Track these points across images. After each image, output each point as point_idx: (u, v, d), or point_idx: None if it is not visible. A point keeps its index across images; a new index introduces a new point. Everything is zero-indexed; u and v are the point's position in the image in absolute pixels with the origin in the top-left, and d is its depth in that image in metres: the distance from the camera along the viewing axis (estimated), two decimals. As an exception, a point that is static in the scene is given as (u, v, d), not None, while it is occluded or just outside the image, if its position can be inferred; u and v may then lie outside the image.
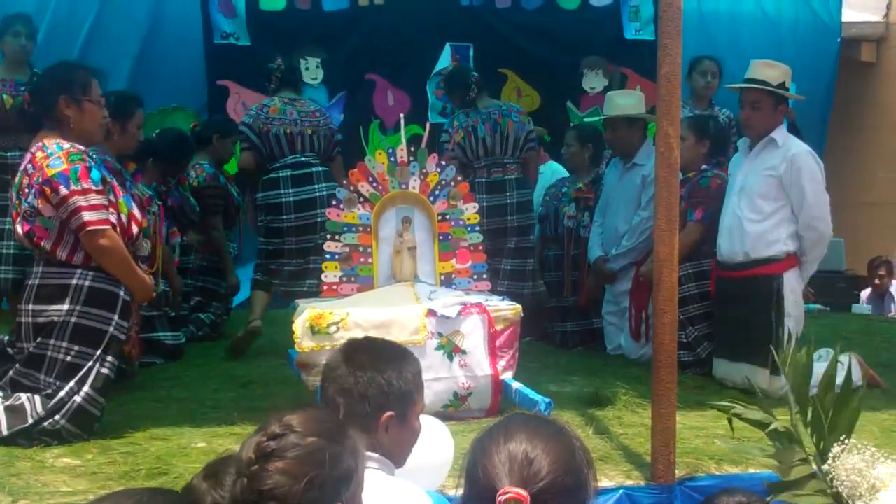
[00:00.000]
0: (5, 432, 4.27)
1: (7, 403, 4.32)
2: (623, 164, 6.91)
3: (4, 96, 6.63)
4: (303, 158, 6.61)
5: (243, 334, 6.52)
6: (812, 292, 5.92)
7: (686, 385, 5.45)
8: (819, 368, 5.54)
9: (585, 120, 9.04)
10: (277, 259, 6.63)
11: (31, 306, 4.42)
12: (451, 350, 4.77)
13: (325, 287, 5.17)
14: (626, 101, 6.93)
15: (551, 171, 7.83)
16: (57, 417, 4.31)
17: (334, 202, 5.19)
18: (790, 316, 5.46)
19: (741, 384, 5.57)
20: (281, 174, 6.57)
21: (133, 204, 4.66)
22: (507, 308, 4.93)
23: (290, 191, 6.55)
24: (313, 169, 6.60)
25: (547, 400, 4.54)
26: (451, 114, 7.52)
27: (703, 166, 6.30)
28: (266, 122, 6.59)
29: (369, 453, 2.36)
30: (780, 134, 5.62)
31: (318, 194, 6.54)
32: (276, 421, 2.01)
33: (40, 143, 4.45)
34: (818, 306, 8.40)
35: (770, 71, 5.68)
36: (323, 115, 6.86)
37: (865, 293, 10.27)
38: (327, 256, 5.19)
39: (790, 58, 9.14)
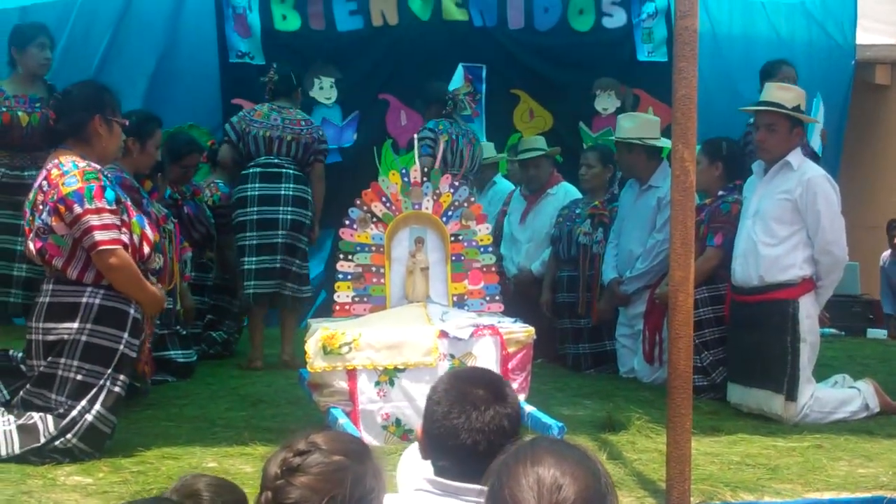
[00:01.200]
0: (18, 451, 4.26)
1: (20, 422, 4.32)
2: (638, 185, 6.90)
3: (20, 113, 6.45)
4: (275, 160, 6.86)
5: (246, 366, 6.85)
6: (827, 317, 5.86)
7: (700, 410, 5.41)
8: (835, 394, 5.57)
9: (600, 141, 9.03)
10: (242, 259, 6.85)
11: (41, 324, 4.42)
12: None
13: (337, 307, 5.15)
14: (628, 124, 6.91)
15: (564, 191, 7.80)
16: (69, 436, 4.30)
17: (347, 221, 5.17)
18: (805, 341, 5.40)
19: (756, 410, 5.54)
20: (251, 171, 6.86)
21: (146, 223, 4.69)
22: (520, 330, 4.89)
23: (256, 185, 6.82)
24: (283, 170, 6.85)
25: (560, 424, 4.50)
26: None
27: (721, 192, 6.27)
28: (249, 123, 6.92)
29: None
30: (796, 157, 5.57)
31: (283, 192, 6.79)
32: (302, 438, 2.06)
33: (56, 161, 4.47)
34: (833, 331, 8.36)
35: (785, 93, 5.65)
36: (310, 125, 7.08)
37: (886, 254, 10.31)
38: (339, 276, 5.17)
39: (804, 80, 9.09)
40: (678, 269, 3.83)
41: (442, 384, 2.52)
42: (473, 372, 2.72)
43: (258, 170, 6.83)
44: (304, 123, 7.02)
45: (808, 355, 5.43)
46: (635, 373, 6.72)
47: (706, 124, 7.69)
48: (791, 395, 5.36)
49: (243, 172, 6.91)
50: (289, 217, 6.76)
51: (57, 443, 4.29)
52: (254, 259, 6.78)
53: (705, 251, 6.07)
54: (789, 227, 5.49)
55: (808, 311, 5.45)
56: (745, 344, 5.65)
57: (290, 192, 6.78)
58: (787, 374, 5.36)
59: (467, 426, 2.38)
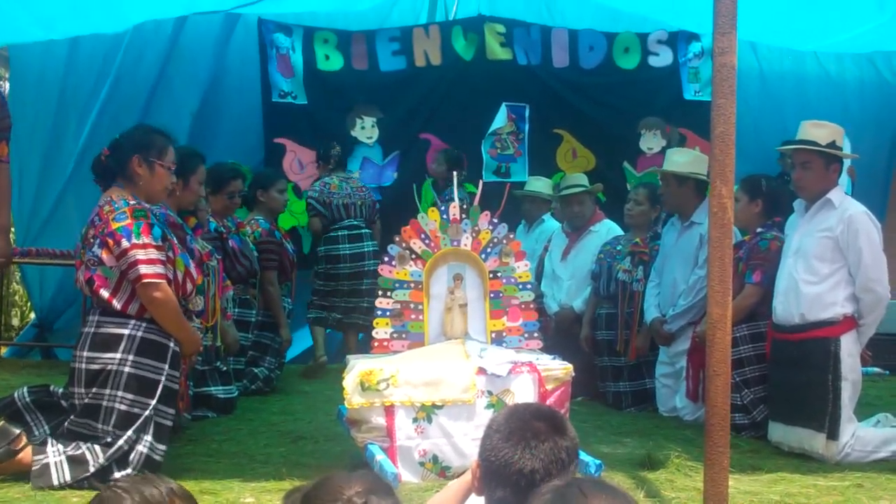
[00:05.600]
0: (69, 480, 4.40)
1: (69, 453, 4.46)
2: (681, 223, 6.87)
3: None
4: (355, 222, 8.40)
5: (314, 366, 8.22)
6: (869, 355, 5.78)
7: (740, 448, 5.37)
8: (877, 433, 5.49)
9: (646, 178, 9.00)
10: (332, 298, 8.36)
11: (84, 353, 4.58)
12: (502, 409, 4.72)
13: (375, 343, 5.17)
14: (680, 159, 6.91)
15: (607, 229, 7.78)
16: (129, 470, 4.44)
17: (386, 258, 5.20)
18: (847, 380, 5.34)
19: (797, 448, 5.47)
20: (340, 233, 8.33)
21: (190, 261, 4.87)
22: (558, 367, 4.88)
23: (347, 245, 8.31)
24: (362, 230, 8.42)
25: (598, 462, 4.49)
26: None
27: (760, 228, 6.23)
28: (329, 195, 8.37)
29: None
30: (837, 195, 5.54)
31: (366, 249, 8.35)
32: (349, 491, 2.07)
33: (108, 198, 4.70)
34: (876, 370, 8.22)
35: (818, 131, 5.61)
36: (367, 190, 8.69)
37: None
38: (378, 313, 5.18)
39: (855, 118, 9.10)
40: (716, 307, 3.80)
41: (501, 415, 2.55)
42: (533, 405, 2.73)
43: (345, 232, 8.34)
44: (364, 190, 8.64)
45: (849, 394, 5.36)
46: (677, 411, 6.66)
47: (755, 162, 7.72)
48: (832, 434, 5.29)
49: (332, 234, 8.34)
50: (372, 268, 7.90)
51: (116, 474, 4.39)
52: (346, 299, 8.35)
53: (744, 288, 6.02)
54: (831, 265, 5.44)
55: (850, 349, 5.39)
56: (786, 382, 5.59)
57: (371, 248, 8.35)
58: (829, 412, 5.30)
59: (527, 455, 2.40)
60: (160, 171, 4.83)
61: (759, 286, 6.01)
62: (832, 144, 5.56)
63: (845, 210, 5.46)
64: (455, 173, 5.68)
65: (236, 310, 6.77)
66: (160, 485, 2.11)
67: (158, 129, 5.03)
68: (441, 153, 9.00)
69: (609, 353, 7.19)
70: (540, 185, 8.53)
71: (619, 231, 7.67)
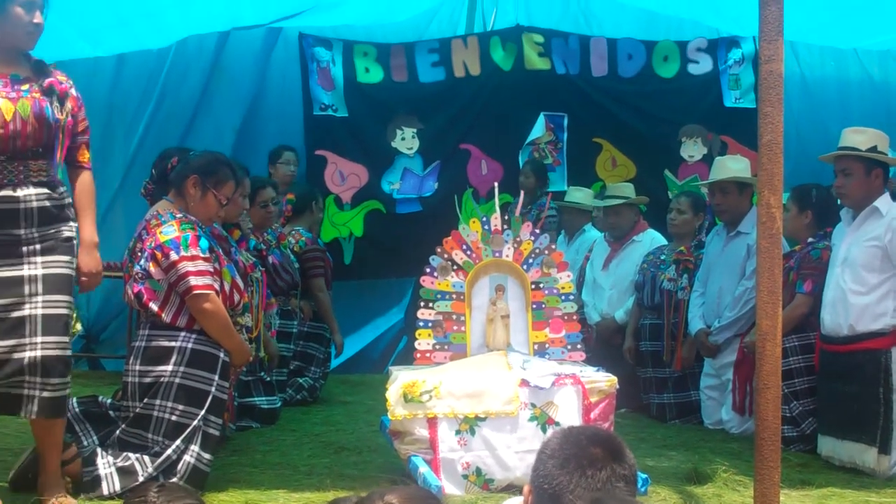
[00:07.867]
0: (119, 490, 4.43)
1: (119, 465, 4.50)
2: (726, 232, 6.80)
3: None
4: None
5: None
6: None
7: (789, 462, 5.28)
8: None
9: (688, 187, 8.93)
10: None
11: (137, 367, 4.63)
12: (545, 422, 4.69)
13: (417, 354, 5.15)
14: (737, 166, 6.83)
15: (650, 238, 7.72)
16: (175, 480, 4.45)
17: (428, 269, 5.18)
18: (899, 392, 5.25)
19: (848, 463, 5.38)
20: None
21: (236, 272, 4.92)
22: (603, 379, 4.83)
23: None
24: None
25: (643, 476, 4.44)
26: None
27: (811, 238, 6.14)
28: None
29: None
30: (884, 203, 5.44)
31: None
32: (377, 498, 2.03)
33: (155, 212, 4.79)
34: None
35: (858, 136, 5.53)
36: None
37: None
38: (420, 324, 5.17)
39: (896, 124, 8.94)
40: (765, 319, 3.75)
41: (556, 439, 2.41)
42: (589, 429, 2.58)
43: None
44: None
45: (900, 407, 5.26)
46: (723, 424, 6.58)
47: (799, 169, 7.62)
48: (884, 449, 5.19)
49: None
50: None
51: None
52: None
53: (795, 298, 5.94)
54: (879, 275, 5.34)
55: (902, 361, 5.30)
56: (836, 395, 5.50)
57: None
58: (880, 426, 5.20)
59: (582, 483, 2.26)
60: (211, 199, 4.86)
61: (811, 296, 5.91)
62: (873, 149, 5.47)
63: (893, 218, 5.36)
64: (496, 183, 5.65)
65: (278, 320, 6.79)
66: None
67: (230, 161, 5.12)
68: (527, 164, 8.90)
69: (653, 364, 7.12)
70: (580, 195, 8.48)
71: (662, 241, 7.60)
